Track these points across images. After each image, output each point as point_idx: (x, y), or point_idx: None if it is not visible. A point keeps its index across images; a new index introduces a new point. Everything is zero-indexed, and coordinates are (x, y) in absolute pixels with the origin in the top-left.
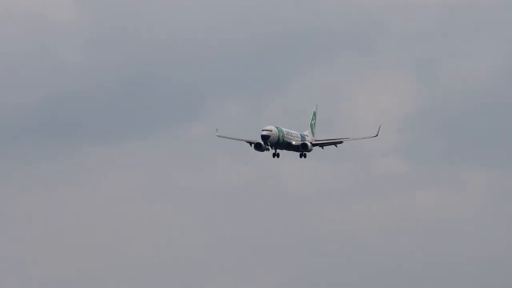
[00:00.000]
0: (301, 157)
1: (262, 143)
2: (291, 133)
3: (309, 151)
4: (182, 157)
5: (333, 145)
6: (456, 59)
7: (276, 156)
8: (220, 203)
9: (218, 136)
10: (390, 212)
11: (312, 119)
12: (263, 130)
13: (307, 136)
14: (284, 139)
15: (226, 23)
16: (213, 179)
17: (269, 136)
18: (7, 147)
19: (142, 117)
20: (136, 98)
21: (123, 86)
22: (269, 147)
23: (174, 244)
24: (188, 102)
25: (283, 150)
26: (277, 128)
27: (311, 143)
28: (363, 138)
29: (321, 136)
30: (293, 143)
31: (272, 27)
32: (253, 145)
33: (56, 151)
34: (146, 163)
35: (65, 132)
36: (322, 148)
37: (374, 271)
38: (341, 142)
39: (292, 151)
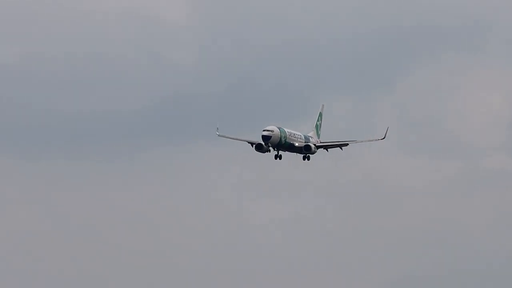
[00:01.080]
0: (304, 159)
1: (263, 143)
2: (294, 134)
3: (312, 153)
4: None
5: (339, 148)
6: None
7: (278, 158)
8: (340, 199)
9: (219, 135)
10: (499, 209)
11: (318, 120)
12: (264, 130)
13: (311, 137)
14: (287, 140)
15: (333, 22)
16: (324, 177)
17: (270, 136)
18: (119, 150)
19: (250, 118)
20: (243, 99)
21: (231, 87)
22: (270, 148)
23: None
24: (295, 102)
25: (286, 152)
26: (279, 128)
27: (315, 145)
28: (370, 141)
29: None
30: (296, 144)
31: (380, 25)
32: (254, 145)
33: (167, 152)
34: (255, 162)
35: (176, 133)
36: (327, 150)
37: (490, 267)
38: (346, 144)
39: (295, 153)
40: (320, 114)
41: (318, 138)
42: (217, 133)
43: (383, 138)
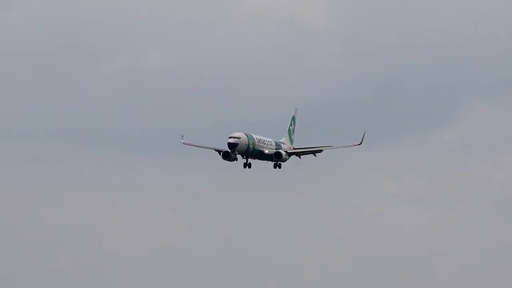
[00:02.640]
0: (275, 167)
1: (230, 151)
2: (263, 141)
3: (283, 160)
4: (433, 162)
5: (312, 154)
6: None
7: (247, 167)
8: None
9: (184, 143)
10: None
11: (291, 125)
12: (230, 137)
13: (283, 144)
14: (255, 147)
15: (474, 24)
16: (465, 184)
17: (237, 144)
18: None
19: (393, 123)
20: (387, 103)
21: (375, 92)
22: (238, 156)
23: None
24: (440, 107)
25: (256, 160)
26: (246, 135)
27: (286, 151)
28: (345, 147)
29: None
30: (266, 151)
31: None
32: (221, 154)
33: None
34: (402, 167)
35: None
36: (299, 157)
37: None
38: (320, 151)
39: (265, 161)
40: (293, 118)
41: (291, 144)
42: (182, 141)
43: (360, 143)
